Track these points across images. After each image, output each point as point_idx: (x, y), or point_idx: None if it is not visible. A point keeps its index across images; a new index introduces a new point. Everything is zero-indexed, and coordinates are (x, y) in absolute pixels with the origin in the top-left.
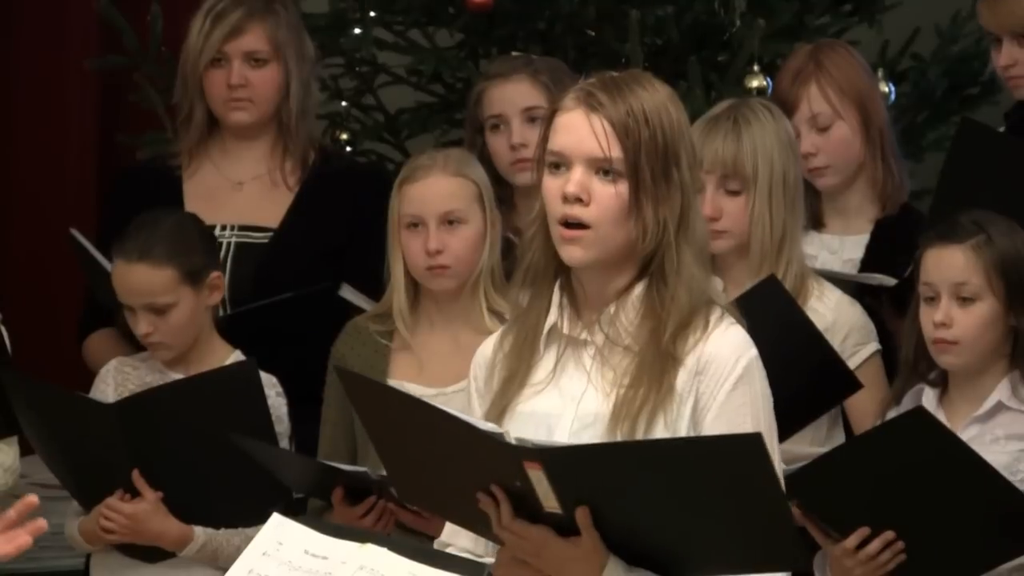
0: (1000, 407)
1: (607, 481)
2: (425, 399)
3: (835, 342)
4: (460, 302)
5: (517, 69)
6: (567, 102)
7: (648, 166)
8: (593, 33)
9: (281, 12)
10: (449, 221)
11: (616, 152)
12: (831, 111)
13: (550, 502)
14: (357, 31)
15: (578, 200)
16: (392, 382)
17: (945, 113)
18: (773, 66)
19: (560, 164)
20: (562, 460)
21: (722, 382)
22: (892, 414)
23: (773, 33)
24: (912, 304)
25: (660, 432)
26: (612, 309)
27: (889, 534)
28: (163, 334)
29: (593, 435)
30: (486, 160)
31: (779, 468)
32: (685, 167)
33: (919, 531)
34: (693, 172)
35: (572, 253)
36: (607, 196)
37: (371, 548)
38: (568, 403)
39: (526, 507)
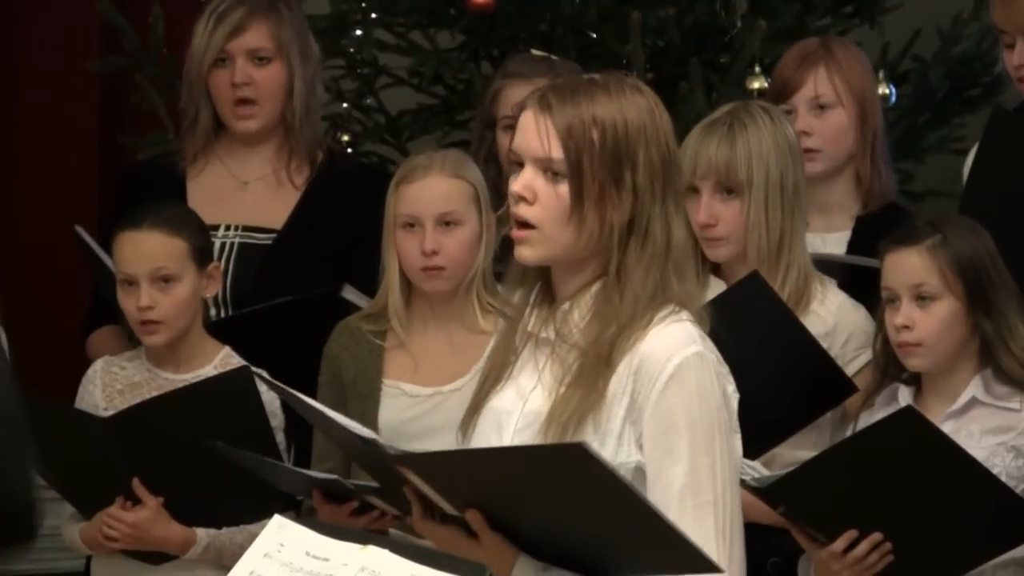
0: (974, 402)
1: (474, 485)
2: (421, 399)
3: (835, 346)
4: (454, 302)
5: (539, 73)
6: (527, 101)
7: (592, 170)
8: (594, 34)
9: (284, 11)
10: (445, 222)
11: (557, 153)
12: (834, 96)
13: (443, 504)
14: (358, 33)
15: (524, 199)
16: (387, 382)
17: (946, 115)
18: (774, 67)
19: (518, 163)
20: (424, 466)
21: (654, 381)
22: (864, 415)
23: (774, 34)
24: (880, 309)
25: (588, 435)
26: (567, 306)
27: (877, 535)
28: (163, 310)
29: (531, 434)
30: (493, 156)
31: (733, 469)
32: (644, 174)
33: (907, 531)
34: (660, 180)
35: (521, 253)
36: (549, 196)
37: (372, 550)
38: (519, 400)
39: (435, 508)
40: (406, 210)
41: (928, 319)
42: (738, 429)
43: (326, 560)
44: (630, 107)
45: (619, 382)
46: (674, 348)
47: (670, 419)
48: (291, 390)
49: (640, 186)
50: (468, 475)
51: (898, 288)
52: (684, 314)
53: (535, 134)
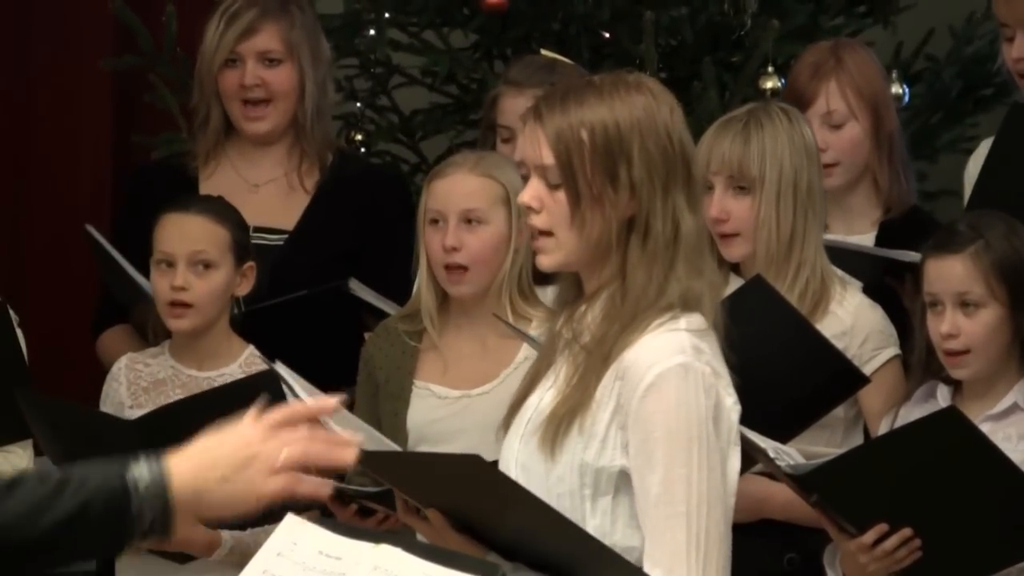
0: (1015, 408)
1: (418, 486)
2: (449, 401)
3: (853, 346)
4: (486, 305)
5: (536, 82)
6: (528, 112)
7: (584, 171)
8: (607, 34)
9: (296, 13)
10: (468, 220)
11: (549, 160)
12: (847, 110)
13: (411, 501)
14: (372, 32)
15: (532, 209)
16: (418, 383)
17: (959, 114)
18: (787, 67)
19: (527, 174)
20: (372, 464)
21: (635, 388)
22: (903, 412)
23: (787, 34)
24: (919, 310)
25: (574, 436)
26: (583, 308)
27: (907, 531)
28: (195, 294)
29: (531, 432)
30: None
31: (714, 481)
32: (641, 169)
33: (937, 529)
34: (660, 173)
35: (540, 261)
36: (551, 202)
37: (385, 548)
38: (538, 399)
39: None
40: (432, 205)
41: (974, 326)
42: (737, 442)
43: (339, 559)
44: (622, 106)
45: (605, 386)
46: (658, 357)
47: (648, 428)
48: (296, 389)
49: (638, 181)
50: (405, 477)
51: (942, 295)
52: (683, 322)
53: (531, 144)
